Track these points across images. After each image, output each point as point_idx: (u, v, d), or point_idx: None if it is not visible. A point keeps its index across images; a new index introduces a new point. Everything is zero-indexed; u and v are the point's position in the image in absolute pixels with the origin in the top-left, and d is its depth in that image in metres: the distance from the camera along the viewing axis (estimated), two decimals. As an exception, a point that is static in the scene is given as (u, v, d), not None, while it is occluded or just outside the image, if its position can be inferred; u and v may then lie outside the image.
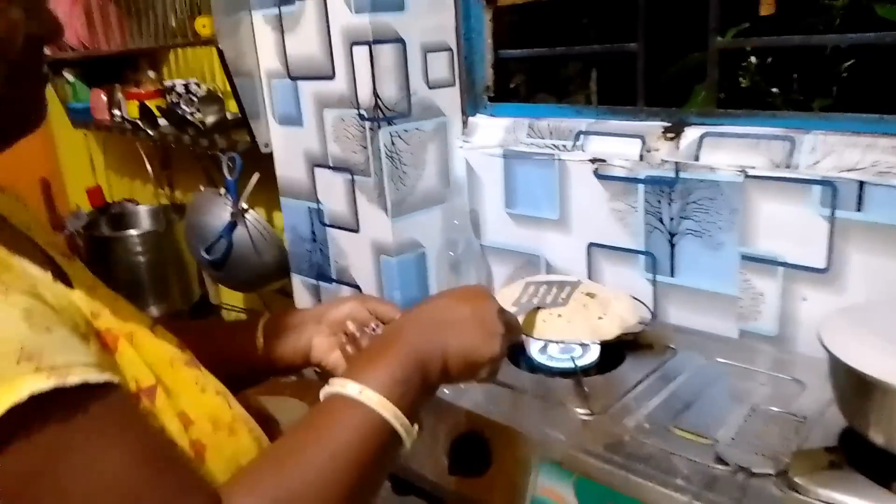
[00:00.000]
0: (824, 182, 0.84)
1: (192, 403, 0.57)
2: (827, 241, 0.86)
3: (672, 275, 1.02)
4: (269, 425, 0.98)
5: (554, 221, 1.13)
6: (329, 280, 1.30)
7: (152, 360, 0.56)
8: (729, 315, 0.97)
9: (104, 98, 1.83)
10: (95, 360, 0.47)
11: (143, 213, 1.88)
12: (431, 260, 1.22)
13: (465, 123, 1.23)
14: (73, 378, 0.44)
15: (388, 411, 0.54)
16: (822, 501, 0.62)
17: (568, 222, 1.12)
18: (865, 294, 0.84)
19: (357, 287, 1.25)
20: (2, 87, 0.49)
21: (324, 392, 0.56)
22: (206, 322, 1.64)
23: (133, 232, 1.72)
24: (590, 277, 1.11)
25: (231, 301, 1.86)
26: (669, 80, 1.13)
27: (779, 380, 0.83)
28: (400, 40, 1.10)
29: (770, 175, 0.88)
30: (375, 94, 1.09)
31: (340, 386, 0.55)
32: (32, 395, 0.42)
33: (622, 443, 0.73)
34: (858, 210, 0.82)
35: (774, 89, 1.15)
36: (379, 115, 1.10)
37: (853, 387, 0.65)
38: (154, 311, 1.78)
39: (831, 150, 0.84)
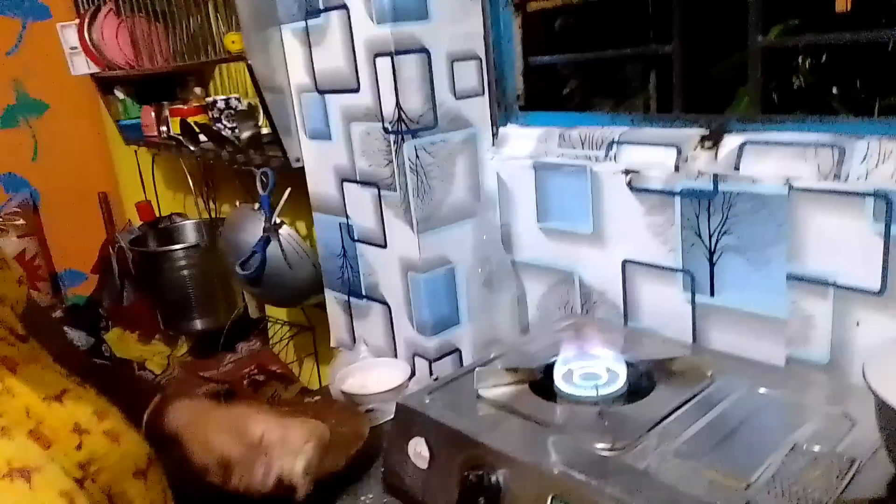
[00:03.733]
0: (878, 194, 0.75)
1: None
2: (882, 259, 0.77)
3: (712, 294, 0.94)
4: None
5: (587, 236, 1.07)
6: (360, 296, 1.28)
7: None
8: (775, 340, 0.89)
9: (153, 115, 1.86)
10: None
11: (190, 227, 1.91)
12: (461, 277, 1.18)
13: (495, 134, 1.18)
14: None
15: None
16: (867, 562, 0.55)
17: (602, 237, 1.06)
18: (928, 319, 0.75)
19: (386, 304, 1.22)
20: None
21: None
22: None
23: (177, 247, 1.74)
24: (625, 296, 1.04)
25: (276, 314, 1.86)
26: (712, 84, 1.05)
27: (827, 414, 0.75)
28: (424, 50, 1.07)
29: (818, 187, 0.80)
30: (398, 107, 1.06)
31: None
32: None
33: (644, 484, 0.66)
34: (918, 225, 0.74)
35: (833, 89, 1.06)
36: (402, 127, 1.07)
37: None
38: (199, 324, 1.80)
39: (886, 157, 0.76)
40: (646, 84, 1.63)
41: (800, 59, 1.03)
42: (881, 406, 0.57)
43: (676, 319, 0.99)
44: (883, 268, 0.77)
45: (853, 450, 0.67)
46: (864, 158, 0.77)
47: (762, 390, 0.81)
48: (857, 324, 0.81)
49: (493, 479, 0.73)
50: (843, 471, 0.65)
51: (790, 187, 0.82)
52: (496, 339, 1.20)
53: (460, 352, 1.21)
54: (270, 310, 1.86)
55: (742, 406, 0.78)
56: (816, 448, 0.69)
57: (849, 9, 1.25)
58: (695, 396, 0.80)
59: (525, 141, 1.14)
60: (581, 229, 1.08)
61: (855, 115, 0.92)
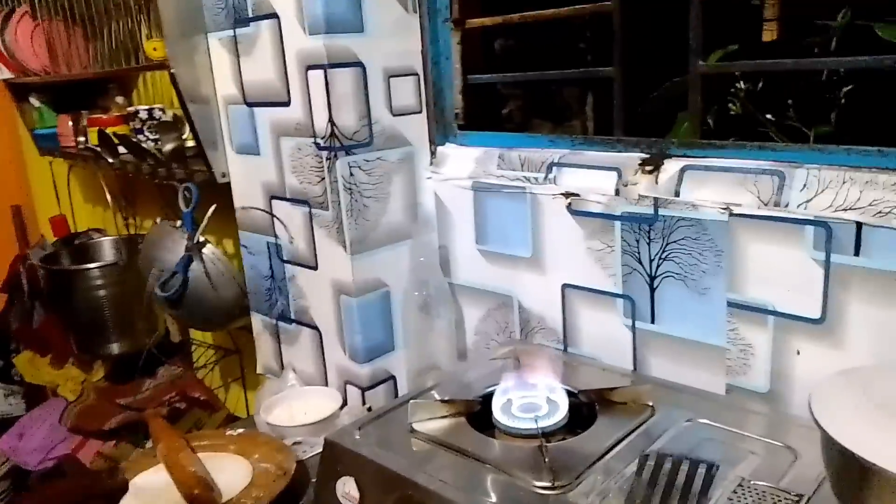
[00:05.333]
0: (818, 222, 0.75)
1: None
2: (822, 288, 0.76)
3: (653, 321, 0.92)
4: (205, 491, 0.88)
5: (527, 259, 1.04)
6: (289, 321, 1.21)
7: None
8: (715, 368, 0.87)
9: (70, 124, 1.75)
10: None
11: (107, 244, 1.80)
12: (397, 300, 1.13)
13: (433, 153, 1.14)
14: None
15: None
16: None
17: (541, 261, 1.03)
18: (866, 349, 0.74)
19: (317, 329, 1.16)
20: None
21: None
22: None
23: (93, 265, 1.63)
24: (564, 322, 1.02)
25: (201, 338, 1.76)
26: (653, 109, 1.05)
27: (770, 447, 0.73)
28: (359, 64, 1.02)
29: (757, 214, 0.79)
30: (332, 122, 1.01)
31: None
32: None
33: (585, 526, 0.63)
34: (857, 254, 0.73)
35: (768, 115, 1.06)
36: (336, 143, 1.02)
37: (847, 469, 0.55)
38: (116, 348, 1.69)
39: (826, 186, 0.75)
40: (584, 107, 1.63)
41: (737, 86, 1.03)
42: (828, 443, 0.55)
43: (617, 346, 0.96)
44: (823, 296, 0.76)
45: (798, 485, 0.65)
46: (804, 186, 0.76)
47: (703, 421, 0.79)
48: (798, 352, 0.80)
49: (427, 521, 0.68)
50: (789, 507, 0.63)
51: (730, 214, 0.81)
52: (433, 366, 1.15)
53: (395, 379, 1.15)
54: (195, 333, 1.76)
55: (685, 438, 0.76)
56: (761, 483, 0.67)
57: (776, 38, 1.27)
58: (637, 429, 0.77)
59: (464, 161, 1.11)
60: (520, 252, 1.05)
61: (791, 142, 0.92)
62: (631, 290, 0.93)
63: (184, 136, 1.40)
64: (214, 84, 1.20)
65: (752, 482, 0.67)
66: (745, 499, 0.65)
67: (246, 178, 1.21)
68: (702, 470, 0.65)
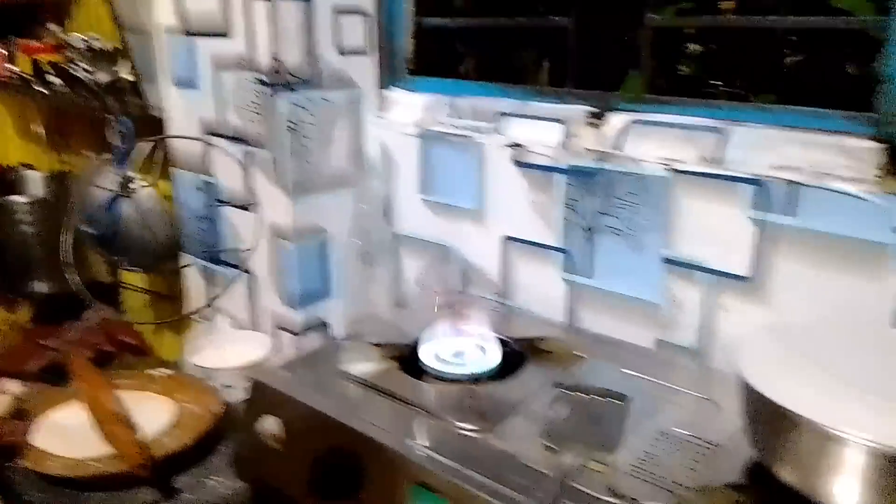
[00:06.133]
0: (754, 181, 0.75)
1: None
2: (753, 246, 0.77)
3: (590, 276, 0.92)
4: (124, 428, 0.86)
5: (470, 211, 1.03)
6: (222, 264, 1.18)
7: None
8: (647, 324, 0.88)
9: (2, 51, 1.65)
10: None
11: (35, 179, 1.71)
12: (336, 248, 1.11)
13: (380, 98, 1.11)
14: None
15: None
16: (724, 549, 0.53)
17: (484, 213, 1.02)
18: (792, 307, 0.76)
19: (251, 273, 1.13)
20: None
21: None
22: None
23: (18, 198, 1.55)
24: (504, 274, 1.01)
25: (132, 281, 1.71)
26: (604, 64, 1.04)
27: (693, 399, 0.74)
28: (306, -2, 0.98)
29: (697, 171, 0.79)
30: (275, 57, 0.97)
31: None
32: None
33: (504, 466, 0.62)
34: (790, 214, 0.74)
35: (717, 81, 1.07)
36: (279, 80, 0.98)
37: (764, 417, 0.56)
38: (44, 287, 1.62)
39: (764, 145, 0.76)
40: (539, 61, 1.60)
41: (689, 47, 1.03)
42: (746, 390, 0.56)
43: (552, 299, 0.96)
44: (754, 254, 0.77)
45: (715, 435, 0.67)
46: (744, 144, 0.77)
47: (631, 373, 0.80)
48: (725, 310, 0.81)
49: (350, 463, 0.67)
50: (707, 456, 0.64)
51: (671, 170, 0.81)
52: (369, 315, 1.14)
53: (330, 326, 1.14)
54: (126, 276, 1.70)
55: (611, 387, 0.76)
56: (682, 433, 0.68)
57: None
58: (565, 376, 0.78)
59: (412, 108, 1.08)
60: (464, 204, 1.03)
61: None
62: (570, 244, 0.93)
63: (119, 68, 1.33)
64: (154, 12, 1.14)
65: (671, 431, 0.68)
66: (664, 447, 0.66)
67: (183, 114, 1.16)
68: (613, 402, 0.67)
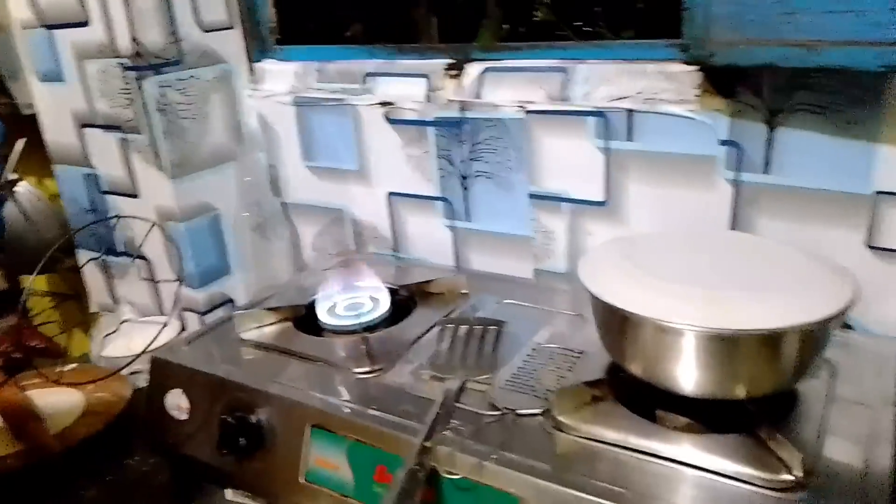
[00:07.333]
0: (596, 113, 0.82)
1: None
2: (604, 173, 0.84)
3: (469, 219, 0.98)
4: (31, 421, 0.87)
5: (354, 172, 1.07)
6: (117, 253, 1.18)
7: None
8: (524, 257, 0.95)
9: None
10: None
11: None
12: (228, 223, 1.13)
13: (251, 70, 1.13)
14: None
15: None
16: (585, 437, 0.61)
17: (367, 172, 1.06)
18: (644, 224, 0.84)
19: (147, 259, 1.14)
20: None
21: None
22: None
23: None
24: (393, 228, 1.06)
25: (36, 285, 1.67)
26: (463, 16, 1.08)
27: (566, 317, 0.82)
28: (159, -23, 0.98)
29: (548, 109, 0.85)
30: (135, 39, 0.97)
31: None
32: None
33: (395, 399, 0.68)
34: (630, 140, 0.81)
35: (579, 23, 1.13)
36: (142, 63, 0.98)
37: (608, 320, 0.63)
38: (-65, 304, 1.56)
39: (603, 79, 0.82)
40: (402, 19, 1.61)
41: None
42: (593, 299, 0.63)
43: (440, 247, 1.02)
44: (606, 181, 0.85)
45: (582, 345, 0.74)
46: (586, 80, 0.83)
47: (511, 302, 0.87)
48: (590, 234, 0.89)
49: (253, 418, 0.72)
50: (575, 363, 0.72)
51: (525, 111, 0.87)
52: (272, 286, 1.17)
53: (234, 302, 1.16)
54: (25, 279, 1.66)
55: (493, 317, 0.83)
56: (553, 347, 0.75)
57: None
58: (451, 313, 0.84)
59: (283, 77, 1.10)
60: (347, 166, 1.07)
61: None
62: (447, 192, 0.98)
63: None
64: (7, 7, 1.10)
65: (544, 346, 0.75)
66: (538, 360, 0.73)
67: (54, 108, 1.14)
68: (491, 328, 0.73)
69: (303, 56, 1.09)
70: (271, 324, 0.85)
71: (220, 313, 1.14)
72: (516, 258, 0.96)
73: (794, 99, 0.71)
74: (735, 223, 0.78)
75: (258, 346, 0.81)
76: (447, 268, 1.01)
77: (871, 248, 0.72)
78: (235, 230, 1.13)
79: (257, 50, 1.12)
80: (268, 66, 1.12)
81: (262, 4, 1.10)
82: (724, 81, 0.74)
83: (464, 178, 0.96)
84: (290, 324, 0.85)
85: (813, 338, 0.57)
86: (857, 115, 0.69)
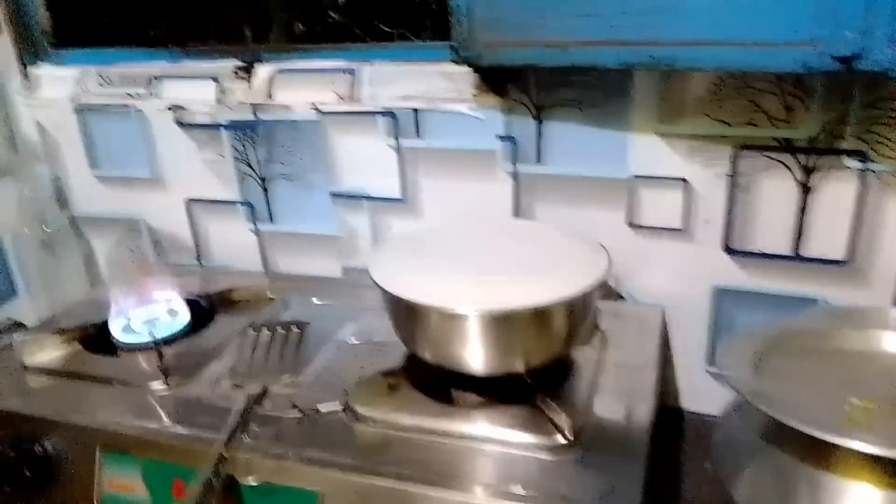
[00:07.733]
0: (386, 112, 0.85)
1: None
2: (398, 170, 0.87)
3: (273, 222, 0.98)
4: None
5: (147, 180, 1.02)
6: None
7: None
8: (332, 255, 0.96)
9: None
10: None
11: None
12: (8, 243, 1.03)
13: (25, 76, 1.04)
14: None
15: None
16: (384, 425, 0.63)
17: (162, 179, 1.01)
18: (436, 216, 0.88)
19: (-88, 288, 1.02)
20: None
21: None
22: None
23: None
24: (195, 235, 1.03)
25: None
26: (252, 17, 1.07)
27: (368, 311, 0.84)
28: None
29: (340, 110, 0.87)
30: None
31: None
32: None
33: (193, 412, 0.67)
34: (419, 137, 0.85)
35: (379, 23, 1.14)
36: None
37: (396, 311, 0.66)
38: None
39: (389, 80, 0.85)
40: (184, 20, 1.54)
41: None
42: (381, 292, 0.65)
43: (246, 251, 1.01)
44: (400, 177, 0.88)
45: (384, 338, 0.76)
46: (372, 81, 0.86)
47: (319, 302, 0.87)
48: (391, 229, 0.92)
49: (38, 447, 0.67)
50: (375, 356, 0.74)
51: (318, 112, 0.88)
52: (66, 305, 1.09)
53: (26, 327, 1.07)
54: None
55: (299, 319, 0.83)
56: (355, 342, 0.77)
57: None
58: (256, 319, 0.83)
59: (62, 82, 1.02)
60: (139, 173, 1.02)
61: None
62: (248, 195, 0.97)
63: None
64: None
65: (347, 342, 0.77)
66: (341, 357, 0.75)
67: None
68: (294, 330, 0.74)
69: (81, 60, 1.02)
70: (59, 346, 0.79)
71: (7, 340, 1.04)
72: (324, 257, 0.96)
73: (557, 95, 0.78)
74: (517, 211, 0.84)
75: (44, 371, 0.76)
76: (255, 273, 1.00)
77: (631, 225, 0.81)
78: (18, 249, 1.04)
79: (30, 55, 1.03)
80: (44, 71, 1.03)
81: (33, 6, 1.02)
82: (496, 81, 0.79)
83: (263, 180, 0.95)
84: (79, 346, 0.80)
85: (574, 310, 0.63)
86: (610, 108, 0.77)
